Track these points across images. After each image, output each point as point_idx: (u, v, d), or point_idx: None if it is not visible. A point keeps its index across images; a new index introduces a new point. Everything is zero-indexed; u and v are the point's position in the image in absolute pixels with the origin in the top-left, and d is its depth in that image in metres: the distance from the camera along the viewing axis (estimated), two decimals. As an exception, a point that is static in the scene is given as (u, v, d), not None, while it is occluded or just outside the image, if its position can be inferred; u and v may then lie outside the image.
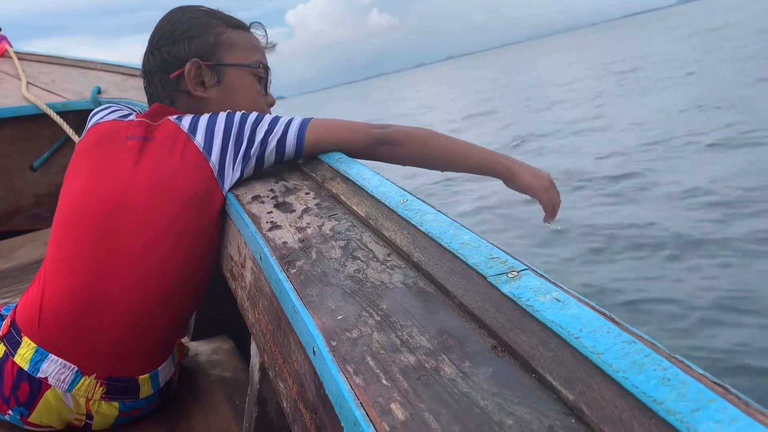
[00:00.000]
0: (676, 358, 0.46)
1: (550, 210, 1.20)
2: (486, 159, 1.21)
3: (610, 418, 0.42)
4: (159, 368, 1.17)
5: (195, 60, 1.23)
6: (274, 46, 1.37)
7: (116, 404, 1.13)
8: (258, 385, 0.96)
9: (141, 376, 1.14)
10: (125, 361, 1.12)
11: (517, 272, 0.61)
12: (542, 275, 0.61)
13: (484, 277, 0.63)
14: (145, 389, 1.15)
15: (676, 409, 0.40)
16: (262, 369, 0.94)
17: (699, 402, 0.40)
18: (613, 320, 0.51)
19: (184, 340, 1.48)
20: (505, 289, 0.59)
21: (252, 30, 1.34)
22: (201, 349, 1.49)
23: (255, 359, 0.98)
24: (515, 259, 0.64)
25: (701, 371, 0.44)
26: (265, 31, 1.36)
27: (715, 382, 0.43)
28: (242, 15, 1.32)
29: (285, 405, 0.74)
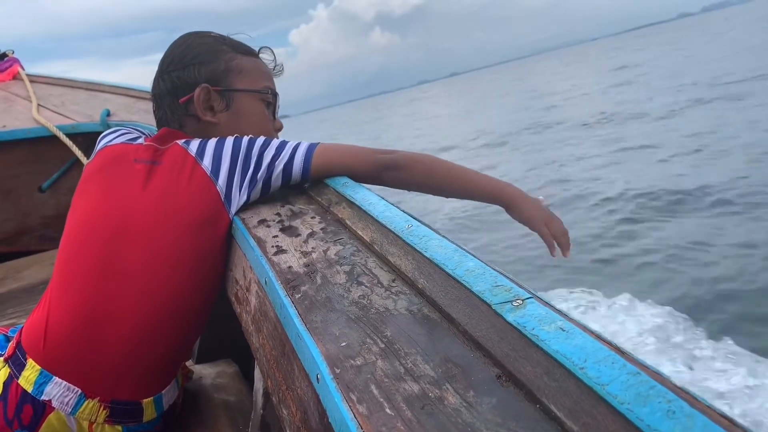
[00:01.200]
0: (682, 389, 0.46)
1: (551, 244, 1.19)
2: (490, 187, 1.22)
3: (615, 451, 0.42)
4: (163, 391, 1.17)
5: (204, 85, 1.24)
6: (281, 70, 1.39)
7: (119, 428, 1.12)
8: (261, 411, 0.95)
9: (145, 400, 1.13)
10: (129, 384, 1.11)
11: (522, 300, 0.61)
12: (547, 303, 0.61)
13: (489, 305, 0.63)
14: (149, 412, 1.15)
15: (682, 443, 0.39)
16: (266, 394, 0.93)
17: (704, 436, 0.39)
18: (618, 350, 0.51)
19: (189, 363, 1.48)
20: (510, 317, 0.59)
21: (261, 55, 1.36)
22: (205, 372, 1.49)
23: (259, 384, 0.98)
24: (520, 287, 0.64)
25: (708, 403, 0.44)
26: (274, 56, 1.38)
27: (721, 415, 0.42)
28: (247, 35, 1.34)
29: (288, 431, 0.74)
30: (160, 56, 1.32)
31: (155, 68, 1.33)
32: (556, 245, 1.19)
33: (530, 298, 0.61)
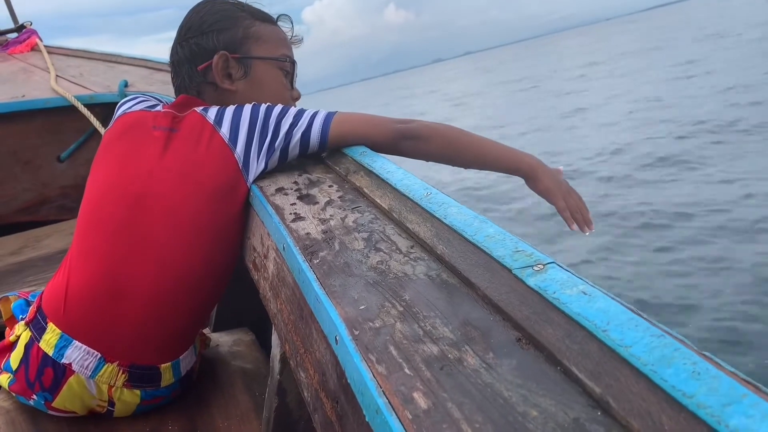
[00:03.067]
0: (705, 354, 0.45)
1: (568, 217, 1.18)
2: (510, 157, 1.20)
3: (638, 412, 0.42)
4: (180, 357, 1.18)
5: (223, 52, 1.24)
6: (300, 39, 1.38)
7: (138, 392, 1.14)
8: (278, 376, 0.96)
9: (163, 365, 1.15)
10: (147, 350, 1.13)
11: (543, 265, 0.61)
12: (568, 269, 0.60)
13: (509, 270, 0.62)
14: (167, 378, 1.16)
15: (707, 404, 0.39)
16: (283, 360, 0.94)
17: (731, 397, 0.39)
18: (640, 316, 0.50)
19: (206, 331, 1.49)
20: (531, 281, 0.59)
21: (279, 23, 1.35)
22: (222, 340, 1.50)
23: (276, 349, 0.98)
24: (541, 252, 0.64)
25: (731, 368, 0.43)
26: (293, 24, 1.37)
27: (745, 380, 0.42)
28: (263, 3, 1.32)
29: (306, 394, 0.74)
30: (173, 34, 1.32)
31: (169, 46, 1.32)
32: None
33: (551, 263, 0.61)
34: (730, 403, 0.38)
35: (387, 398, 0.49)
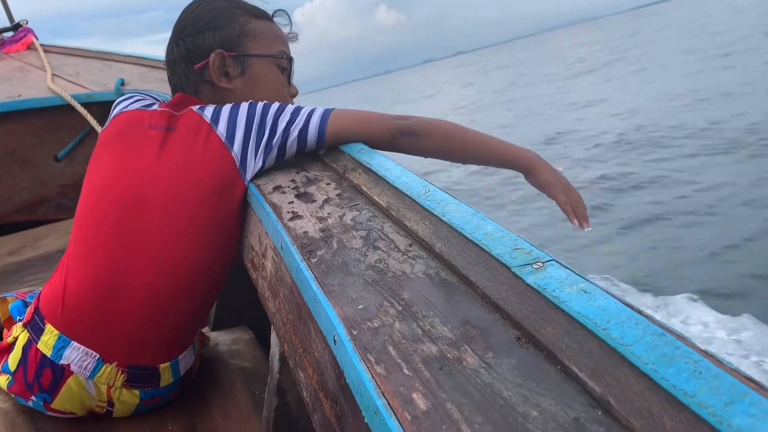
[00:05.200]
0: (706, 352, 0.45)
1: (569, 211, 1.18)
2: (509, 152, 1.20)
3: (639, 411, 0.41)
4: (179, 357, 1.18)
5: (219, 51, 1.23)
6: (296, 35, 1.37)
7: (137, 392, 1.14)
8: (278, 375, 0.96)
9: (162, 365, 1.14)
10: (146, 350, 1.12)
11: (543, 263, 0.60)
12: (567, 267, 0.60)
13: (509, 268, 0.62)
14: (166, 377, 1.16)
15: (709, 403, 0.38)
16: (282, 359, 0.94)
17: (732, 396, 0.38)
18: (641, 313, 0.50)
19: (205, 330, 1.49)
20: (530, 280, 0.58)
21: (276, 19, 1.34)
22: (221, 339, 1.50)
23: (275, 349, 0.98)
24: (540, 250, 0.63)
25: (732, 366, 0.43)
26: (290, 19, 1.36)
27: (746, 377, 0.41)
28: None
29: (305, 394, 0.74)
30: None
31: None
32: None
33: (551, 260, 0.60)
34: (732, 402, 0.38)
35: (386, 399, 0.49)
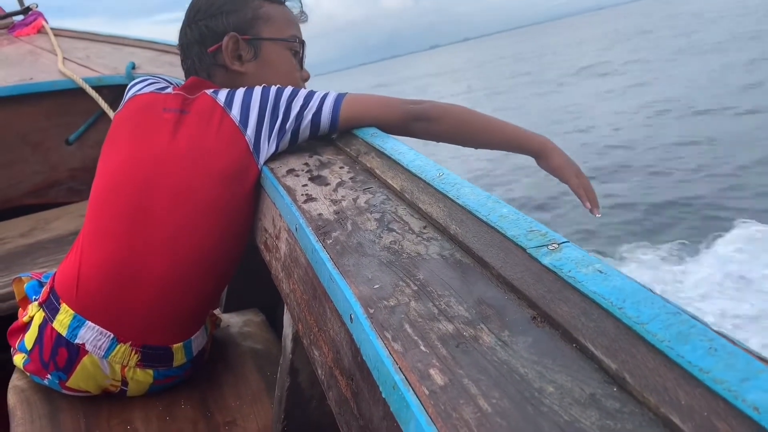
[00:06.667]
0: (720, 332, 0.45)
1: (582, 194, 1.18)
2: (521, 136, 1.20)
3: (654, 387, 0.42)
4: (192, 338, 1.19)
5: (233, 34, 1.23)
6: (306, 16, 1.37)
7: (150, 371, 1.15)
8: (291, 355, 0.97)
9: (174, 345, 1.16)
10: (159, 330, 1.14)
11: (558, 244, 0.61)
12: (582, 249, 0.60)
13: (524, 249, 0.62)
14: (179, 358, 1.17)
15: (724, 378, 0.39)
16: (296, 339, 0.95)
17: (747, 372, 0.39)
18: (656, 294, 0.51)
19: (216, 311, 1.50)
20: (546, 260, 0.59)
21: (287, 2, 1.34)
22: (233, 321, 1.51)
23: (288, 329, 0.99)
24: (555, 232, 0.64)
25: (746, 346, 0.44)
26: (301, 3, 1.36)
27: (760, 357, 0.42)
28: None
29: (320, 372, 0.75)
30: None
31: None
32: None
33: (566, 242, 0.61)
34: (748, 378, 0.39)
35: (404, 374, 0.50)
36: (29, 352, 1.14)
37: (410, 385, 0.49)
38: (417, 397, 0.47)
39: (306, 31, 1.37)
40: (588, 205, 1.16)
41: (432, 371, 0.50)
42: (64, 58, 2.74)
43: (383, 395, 0.52)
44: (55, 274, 1.19)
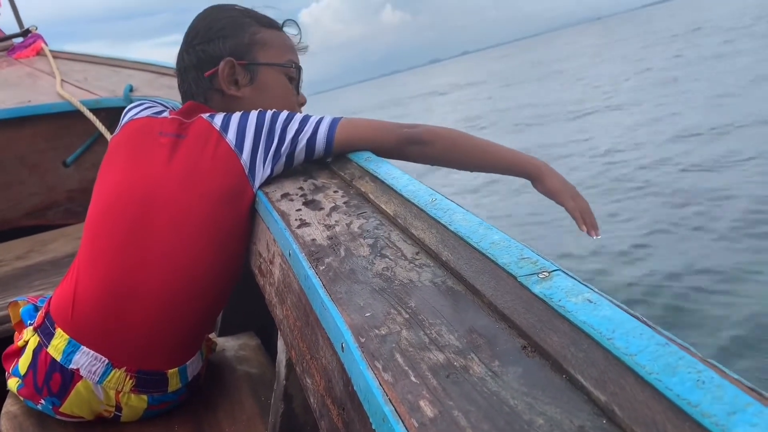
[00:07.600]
0: (709, 362, 0.45)
1: (578, 217, 1.18)
2: (516, 159, 1.21)
3: (643, 420, 0.42)
4: (187, 362, 1.19)
5: (229, 59, 1.24)
6: (306, 46, 1.38)
7: (145, 397, 1.15)
8: (284, 381, 0.96)
9: (170, 370, 1.15)
10: (154, 355, 1.13)
11: (549, 273, 0.61)
12: (573, 277, 0.60)
13: (515, 277, 0.62)
14: (174, 383, 1.17)
15: (712, 412, 0.39)
16: (289, 365, 0.94)
17: (735, 405, 0.39)
18: (645, 323, 0.51)
19: (212, 335, 1.50)
20: (536, 289, 0.59)
21: (285, 29, 1.36)
22: (228, 345, 1.51)
23: (282, 355, 0.99)
24: (546, 259, 0.64)
25: (736, 376, 0.44)
26: (299, 29, 1.37)
27: (749, 387, 0.42)
28: (274, 8, 1.33)
29: (312, 400, 0.75)
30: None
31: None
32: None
33: (557, 270, 0.61)
34: (735, 411, 0.39)
35: (393, 406, 0.50)
36: (23, 377, 1.14)
37: (400, 417, 0.49)
38: (407, 429, 0.47)
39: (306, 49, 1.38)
40: (584, 228, 1.16)
41: (422, 403, 0.50)
42: (63, 80, 2.76)
43: (374, 427, 0.52)
44: (50, 298, 1.19)
